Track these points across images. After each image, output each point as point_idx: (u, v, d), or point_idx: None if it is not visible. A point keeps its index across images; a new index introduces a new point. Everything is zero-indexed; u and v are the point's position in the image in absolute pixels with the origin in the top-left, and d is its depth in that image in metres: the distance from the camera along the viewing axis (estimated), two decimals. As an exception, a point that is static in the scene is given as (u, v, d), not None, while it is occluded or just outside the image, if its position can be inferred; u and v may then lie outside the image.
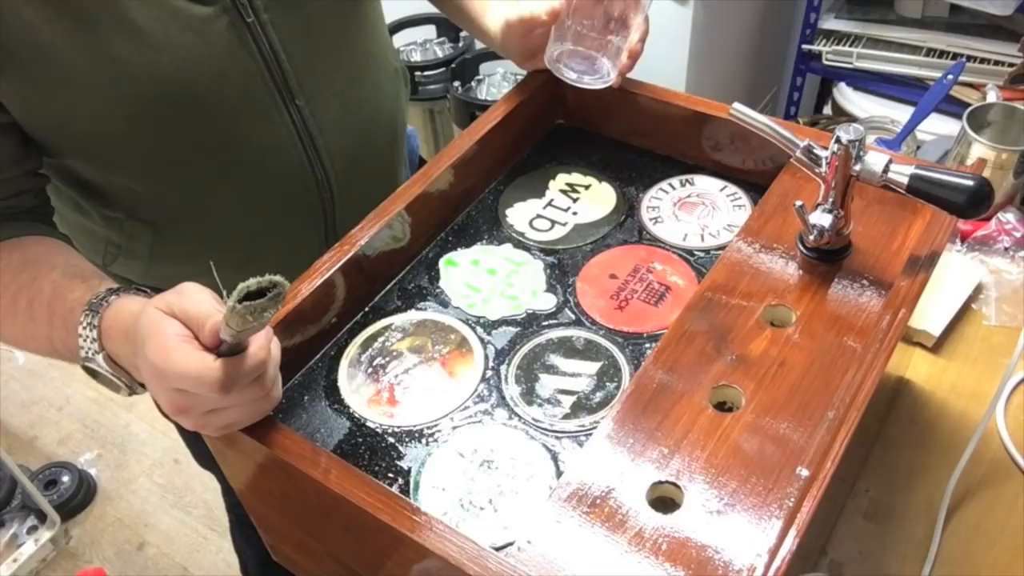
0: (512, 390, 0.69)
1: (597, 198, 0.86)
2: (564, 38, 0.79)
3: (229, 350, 0.52)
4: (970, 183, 0.61)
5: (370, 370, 0.71)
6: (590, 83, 0.82)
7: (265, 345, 0.55)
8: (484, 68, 2.05)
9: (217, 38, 0.71)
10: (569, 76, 0.82)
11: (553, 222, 0.84)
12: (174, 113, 0.71)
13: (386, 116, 0.91)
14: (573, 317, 0.74)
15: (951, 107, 1.55)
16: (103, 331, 0.60)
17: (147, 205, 0.79)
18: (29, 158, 0.72)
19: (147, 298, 0.62)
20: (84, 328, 0.61)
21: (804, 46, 1.87)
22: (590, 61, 0.80)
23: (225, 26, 0.71)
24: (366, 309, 0.77)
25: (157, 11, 0.67)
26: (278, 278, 0.47)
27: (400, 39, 2.15)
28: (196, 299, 0.54)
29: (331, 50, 0.80)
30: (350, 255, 0.71)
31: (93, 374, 0.62)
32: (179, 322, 0.53)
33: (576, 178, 0.89)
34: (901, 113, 1.42)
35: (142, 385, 0.62)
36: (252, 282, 0.47)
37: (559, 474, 0.63)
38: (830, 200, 0.67)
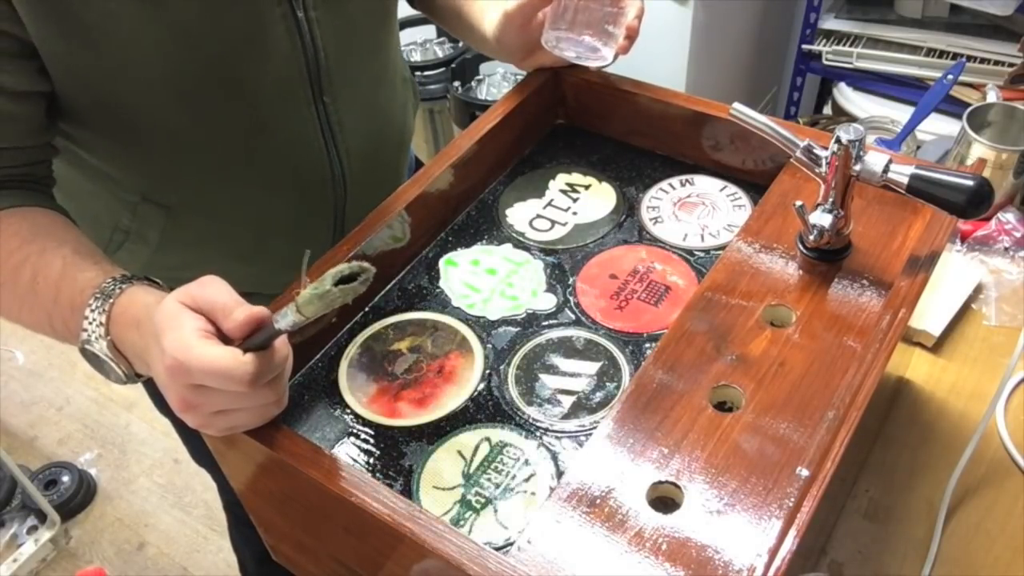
0: (512, 390, 0.69)
1: (597, 198, 0.86)
2: (561, 22, 0.79)
3: (259, 345, 0.52)
4: (970, 183, 0.61)
5: (370, 370, 0.71)
6: (588, 63, 0.83)
7: (286, 342, 0.55)
8: (484, 68, 2.05)
9: (270, 27, 0.72)
10: (569, 56, 0.82)
11: (553, 222, 0.84)
12: (216, 93, 0.73)
13: (397, 122, 0.93)
14: (573, 317, 0.74)
15: (951, 107, 1.55)
16: (112, 318, 0.60)
17: (165, 186, 0.79)
18: (51, 129, 0.72)
19: (160, 290, 0.61)
20: (92, 312, 0.60)
21: (804, 46, 1.87)
22: (587, 43, 0.81)
23: (279, 16, 0.73)
24: (366, 309, 0.77)
25: None
26: (365, 264, 0.49)
27: (400, 39, 2.15)
28: (219, 289, 0.54)
29: (362, 52, 0.83)
30: (350, 255, 0.71)
31: (91, 358, 0.61)
32: (201, 316, 0.53)
33: (576, 178, 0.89)
34: (901, 113, 1.43)
35: (138, 375, 0.62)
36: (344, 267, 0.49)
37: (559, 474, 0.63)
38: (830, 200, 0.67)
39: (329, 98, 0.80)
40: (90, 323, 0.60)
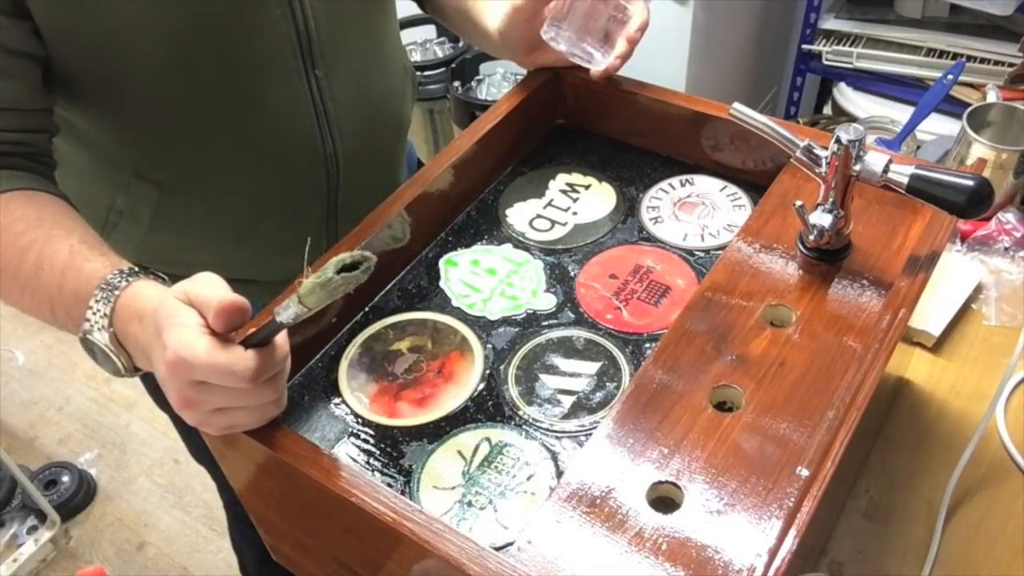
0: (512, 390, 0.69)
1: (597, 198, 0.86)
2: (564, 21, 0.80)
3: (260, 341, 0.52)
4: (970, 183, 0.61)
5: (370, 370, 0.71)
6: (579, 62, 0.84)
7: (286, 339, 0.55)
8: (484, 68, 2.05)
9: None
10: (561, 49, 0.83)
11: (553, 222, 0.84)
12: (206, 60, 0.73)
13: (394, 107, 0.93)
14: (573, 317, 0.74)
15: (951, 107, 1.55)
16: (117, 310, 0.59)
17: (157, 163, 0.79)
18: (49, 94, 0.72)
19: (165, 285, 0.61)
20: (96, 303, 0.60)
21: (804, 46, 1.87)
22: (584, 48, 0.82)
23: None
24: (366, 309, 0.77)
25: None
26: (367, 252, 0.48)
27: (400, 35, 2.15)
28: (208, 284, 0.53)
29: (354, 27, 0.82)
30: (350, 255, 0.71)
31: (91, 348, 0.61)
32: (197, 312, 0.53)
33: (576, 178, 0.89)
34: (901, 113, 1.43)
35: (137, 369, 0.62)
36: (346, 255, 0.48)
37: (559, 474, 0.63)
38: (830, 200, 0.67)
39: (321, 72, 0.80)
40: (94, 314, 0.60)
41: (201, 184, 0.82)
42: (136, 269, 0.62)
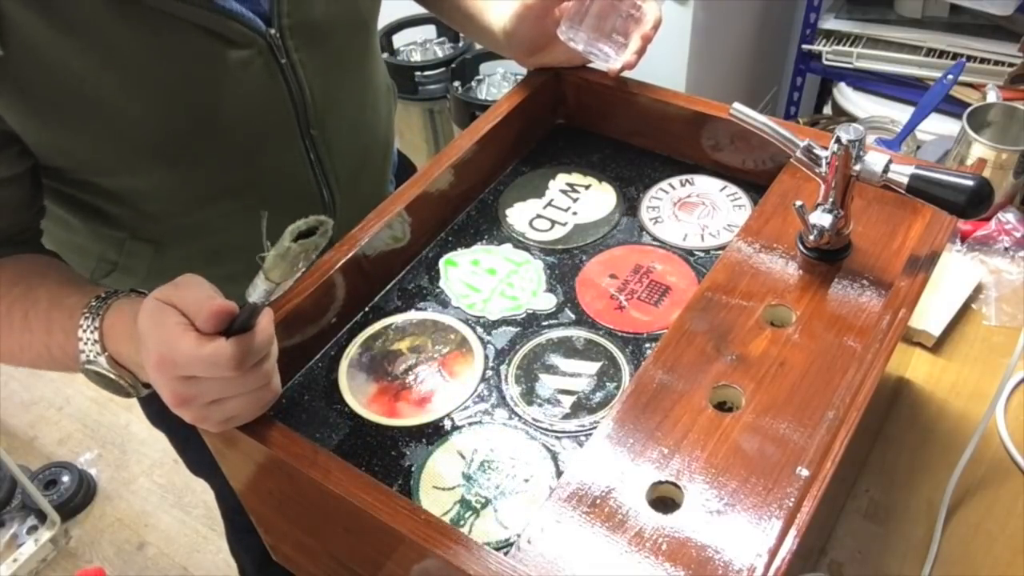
0: (512, 390, 0.69)
1: (597, 198, 0.86)
2: (579, 21, 0.81)
3: (241, 327, 0.52)
4: (970, 183, 0.61)
5: (370, 370, 0.71)
6: (594, 59, 0.84)
7: (271, 322, 0.55)
8: (484, 68, 2.05)
9: (252, 78, 0.72)
10: (578, 47, 0.83)
11: (553, 222, 0.84)
12: (202, 147, 0.73)
13: (382, 133, 0.94)
14: (573, 317, 0.74)
15: (951, 107, 1.55)
16: (105, 332, 0.60)
17: (154, 225, 0.79)
18: (37, 199, 0.72)
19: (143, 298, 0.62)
20: (85, 331, 0.61)
21: (804, 46, 1.87)
22: (601, 48, 0.82)
23: (260, 67, 0.72)
24: (366, 309, 0.77)
25: (201, 56, 0.68)
26: (323, 217, 0.48)
27: (400, 39, 2.15)
28: (191, 288, 0.54)
29: (347, 82, 0.83)
30: (350, 255, 0.71)
31: (95, 377, 0.62)
32: (178, 311, 0.53)
33: (576, 178, 0.89)
34: (901, 113, 1.42)
35: (146, 385, 0.62)
36: (300, 222, 0.48)
37: (559, 474, 0.63)
38: (830, 200, 0.67)
39: (316, 131, 0.80)
40: (85, 343, 0.61)
41: (198, 240, 0.82)
42: (112, 291, 0.63)
